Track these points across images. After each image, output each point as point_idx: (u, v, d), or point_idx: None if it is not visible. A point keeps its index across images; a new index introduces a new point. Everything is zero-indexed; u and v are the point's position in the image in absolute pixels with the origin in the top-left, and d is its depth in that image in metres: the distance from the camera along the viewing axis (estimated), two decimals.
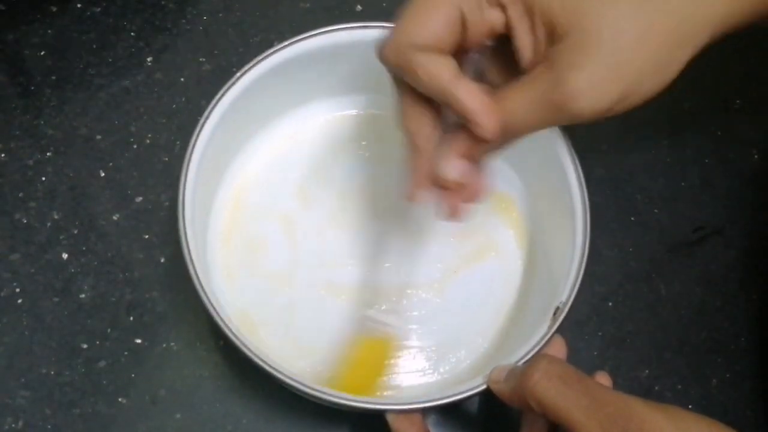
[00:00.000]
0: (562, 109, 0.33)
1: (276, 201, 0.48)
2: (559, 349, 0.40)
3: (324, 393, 0.37)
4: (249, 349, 0.37)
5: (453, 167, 0.37)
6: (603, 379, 0.39)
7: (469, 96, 0.34)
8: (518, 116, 0.34)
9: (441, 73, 0.35)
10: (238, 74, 0.43)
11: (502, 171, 0.50)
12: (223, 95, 0.43)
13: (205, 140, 0.42)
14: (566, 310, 0.40)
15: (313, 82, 0.47)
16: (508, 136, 0.35)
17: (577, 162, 0.43)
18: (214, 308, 0.38)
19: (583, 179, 0.43)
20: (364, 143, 0.50)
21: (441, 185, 0.38)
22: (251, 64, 0.43)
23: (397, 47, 0.35)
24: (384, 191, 0.49)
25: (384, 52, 0.36)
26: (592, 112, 0.33)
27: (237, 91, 0.43)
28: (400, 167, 0.49)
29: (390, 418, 0.38)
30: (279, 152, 0.49)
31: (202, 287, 0.38)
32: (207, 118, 0.42)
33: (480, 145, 0.36)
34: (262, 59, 0.44)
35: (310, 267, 0.46)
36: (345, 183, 0.49)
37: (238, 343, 0.37)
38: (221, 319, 0.37)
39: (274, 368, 0.37)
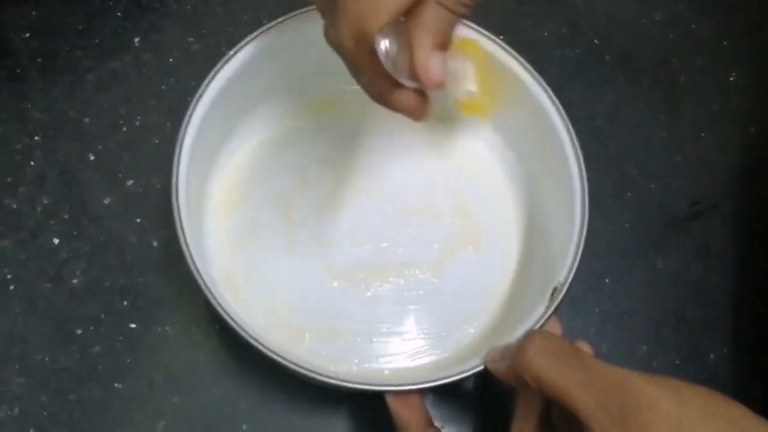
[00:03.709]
0: None
1: (273, 181, 0.47)
2: (555, 329, 0.40)
3: (320, 375, 0.37)
4: (245, 330, 0.37)
5: (436, 63, 0.34)
6: (583, 347, 0.38)
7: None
8: None
9: None
10: (233, 51, 0.42)
11: (500, 151, 0.49)
12: (216, 73, 0.42)
13: (199, 119, 0.41)
14: (564, 290, 0.39)
15: (310, 60, 0.46)
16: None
17: (576, 142, 0.43)
18: (209, 289, 0.37)
19: (582, 159, 0.43)
20: (362, 121, 0.49)
21: (428, 86, 0.35)
22: (246, 40, 0.43)
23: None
24: (383, 170, 0.48)
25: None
26: None
27: (231, 69, 0.42)
28: (400, 145, 0.49)
29: (389, 400, 0.38)
30: (275, 132, 0.49)
31: (196, 267, 0.38)
32: (201, 96, 0.41)
33: (451, 23, 0.34)
34: (256, 36, 0.43)
35: (307, 247, 0.46)
36: (342, 162, 0.48)
37: (233, 324, 0.37)
38: (216, 300, 0.37)
39: (270, 350, 0.37)
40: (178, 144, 0.40)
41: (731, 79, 0.57)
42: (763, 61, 0.58)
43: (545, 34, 0.57)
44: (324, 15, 0.36)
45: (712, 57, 0.58)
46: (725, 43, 0.59)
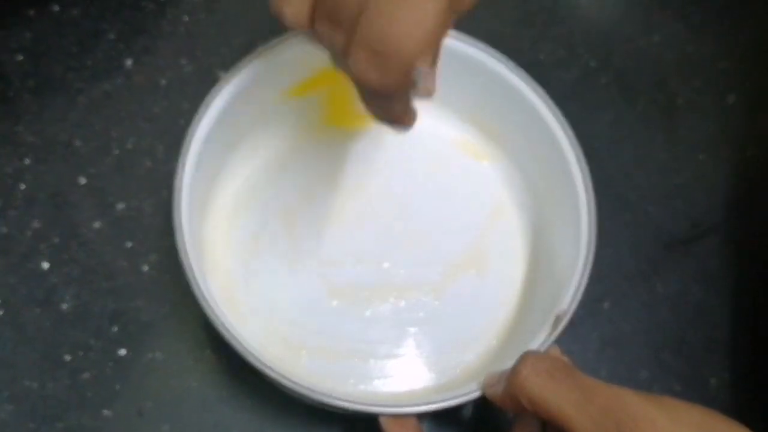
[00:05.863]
0: None
1: (277, 197, 0.47)
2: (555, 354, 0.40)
3: (315, 392, 0.36)
4: (241, 344, 0.37)
5: (431, 80, 0.32)
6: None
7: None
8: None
9: None
10: (235, 69, 0.42)
11: (509, 175, 0.49)
12: (217, 93, 0.42)
13: (202, 137, 0.41)
14: (567, 318, 0.39)
15: (310, 80, 0.47)
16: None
17: (586, 168, 0.43)
18: (206, 301, 0.37)
19: (591, 186, 0.43)
20: (369, 140, 0.49)
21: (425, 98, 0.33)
22: (246, 60, 0.43)
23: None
24: (388, 190, 0.48)
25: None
26: None
27: (235, 86, 0.42)
28: (407, 167, 0.49)
29: (383, 422, 0.38)
30: (281, 148, 0.49)
31: (195, 280, 0.37)
32: (202, 115, 0.41)
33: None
34: (257, 56, 0.43)
35: (308, 264, 0.46)
36: (348, 181, 0.48)
37: (229, 337, 0.37)
38: (213, 313, 0.37)
39: (265, 364, 0.36)
40: (180, 160, 0.40)
41: (729, 101, 0.57)
42: (761, 84, 0.58)
43: (541, 56, 0.57)
44: (343, 55, 0.33)
45: (709, 79, 0.58)
46: (722, 65, 0.59)
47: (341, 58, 0.33)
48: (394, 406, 0.38)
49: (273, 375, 0.36)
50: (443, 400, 0.37)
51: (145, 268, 0.47)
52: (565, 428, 0.31)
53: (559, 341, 0.40)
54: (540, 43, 0.58)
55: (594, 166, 0.43)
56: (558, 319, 0.39)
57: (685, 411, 0.30)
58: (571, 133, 0.44)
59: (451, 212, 0.48)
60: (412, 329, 0.45)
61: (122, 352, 0.45)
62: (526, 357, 0.34)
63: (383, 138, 0.49)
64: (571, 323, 0.45)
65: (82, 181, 0.49)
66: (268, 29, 0.54)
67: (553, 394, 0.31)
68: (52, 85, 0.51)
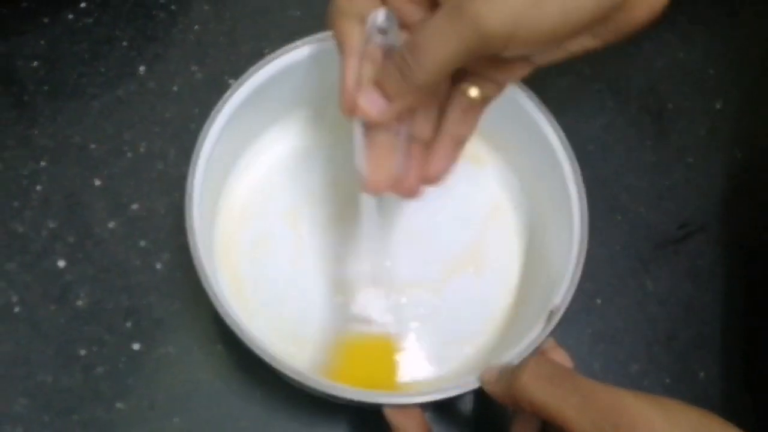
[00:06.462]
0: (469, 30, 0.32)
1: (284, 197, 0.48)
2: (559, 357, 0.40)
3: (321, 384, 0.37)
4: (249, 339, 0.37)
5: (368, 99, 0.37)
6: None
7: (348, 71, 0.37)
8: (431, 48, 0.34)
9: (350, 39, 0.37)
10: (245, 76, 0.43)
11: (505, 177, 0.50)
12: (228, 99, 0.43)
13: (213, 139, 0.42)
14: (560, 313, 0.40)
15: (321, 84, 0.47)
16: (428, 73, 0.34)
17: (578, 169, 0.44)
18: (216, 298, 0.38)
19: (582, 183, 0.44)
20: None
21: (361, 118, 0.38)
22: (258, 64, 0.44)
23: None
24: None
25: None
26: (497, 31, 0.32)
27: (246, 91, 0.43)
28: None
29: (388, 413, 0.39)
30: (289, 149, 0.50)
31: (206, 277, 0.38)
32: (213, 120, 0.42)
33: (399, 80, 0.35)
34: (270, 61, 0.44)
35: (313, 262, 0.47)
36: (351, 182, 0.49)
37: (238, 333, 0.37)
38: (225, 311, 0.38)
39: (272, 358, 0.37)
40: (192, 163, 0.41)
41: (717, 106, 0.58)
42: (748, 89, 0.59)
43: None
44: None
45: (698, 85, 0.59)
46: (711, 71, 0.60)
47: None
48: (396, 398, 0.39)
49: (281, 368, 0.37)
50: (443, 392, 0.38)
51: (158, 266, 0.48)
52: (566, 430, 0.31)
53: (554, 336, 0.41)
54: None
55: (588, 169, 0.44)
56: (552, 315, 0.40)
57: (682, 413, 0.30)
58: (564, 137, 0.45)
59: (451, 213, 0.49)
60: (413, 324, 0.46)
61: (135, 347, 0.46)
62: (526, 361, 0.34)
63: None
64: (566, 319, 0.46)
65: (97, 182, 0.50)
66: (276, 37, 0.55)
67: (553, 397, 0.32)
68: (66, 91, 0.52)
